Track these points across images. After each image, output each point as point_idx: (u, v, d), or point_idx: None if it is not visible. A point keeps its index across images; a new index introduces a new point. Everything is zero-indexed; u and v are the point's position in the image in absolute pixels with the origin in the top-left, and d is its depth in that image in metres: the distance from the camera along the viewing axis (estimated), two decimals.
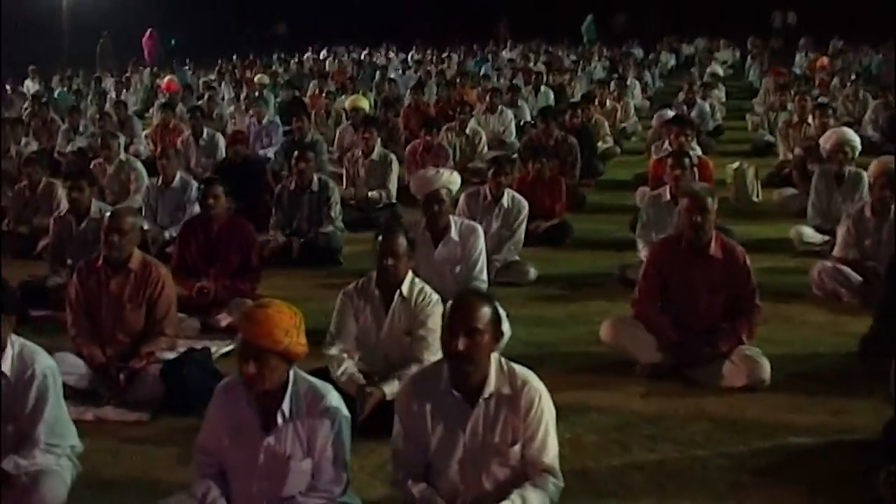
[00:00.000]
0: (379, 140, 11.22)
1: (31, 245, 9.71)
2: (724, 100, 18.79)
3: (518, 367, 4.12)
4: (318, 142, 12.36)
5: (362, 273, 8.75)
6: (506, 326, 6.50)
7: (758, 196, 11.50)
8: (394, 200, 10.93)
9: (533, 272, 8.38)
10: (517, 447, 4.06)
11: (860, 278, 7.76)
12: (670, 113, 11.91)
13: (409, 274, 5.67)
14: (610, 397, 6.05)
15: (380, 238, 5.59)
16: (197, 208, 9.40)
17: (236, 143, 10.89)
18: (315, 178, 9.34)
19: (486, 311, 3.96)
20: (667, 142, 11.37)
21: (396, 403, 4.22)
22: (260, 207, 9.98)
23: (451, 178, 6.97)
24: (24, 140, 12.59)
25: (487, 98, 15.23)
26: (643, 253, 8.34)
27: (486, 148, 13.30)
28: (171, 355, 6.27)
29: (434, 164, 11.52)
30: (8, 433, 4.66)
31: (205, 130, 12.87)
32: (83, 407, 5.86)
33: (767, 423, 5.69)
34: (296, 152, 9.41)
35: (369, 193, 10.74)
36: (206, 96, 16.82)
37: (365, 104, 13.95)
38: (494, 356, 4.08)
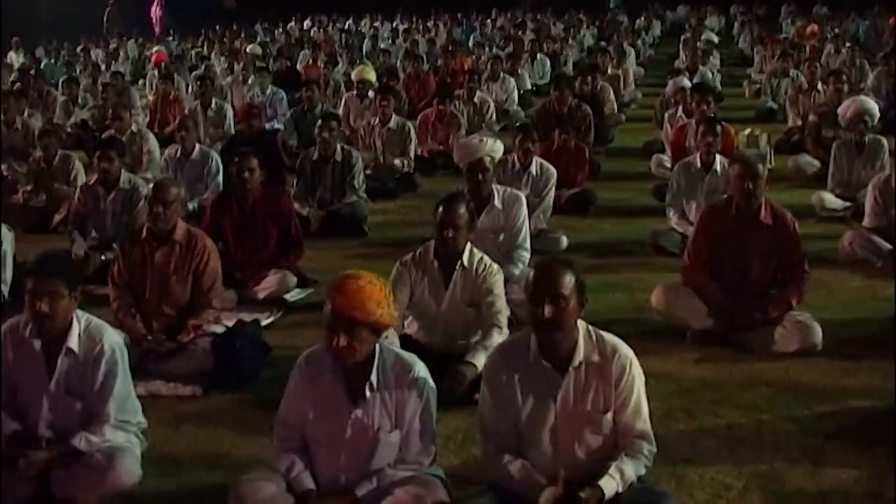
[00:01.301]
0: None
1: (47, 219, 9.55)
2: (718, 67, 18.71)
3: (606, 335, 4.06)
4: (328, 112, 12.19)
5: (389, 243, 8.88)
6: None
7: (771, 163, 11.47)
8: (412, 169, 10.78)
9: (564, 240, 8.32)
10: (609, 415, 4.01)
11: (890, 246, 7.76)
12: (687, 80, 11.81)
13: (468, 244, 5.58)
14: (665, 364, 6.02)
15: (440, 209, 5.50)
16: (218, 180, 9.31)
17: (250, 117, 10.68)
18: (338, 147, 9.21)
19: (569, 277, 3.88)
20: (680, 109, 11.33)
21: (484, 376, 4.14)
22: (275, 181, 9.82)
23: (494, 147, 6.88)
24: (26, 112, 12.32)
25: (488, 66, 15.08)
26: (674, 220, 8.35)
27: (494, 117, 13.21)
28: (217, 328, 6.17)
29: (446, 134, 11.51)
30: (77, 410, 4.57)
31: (213, 101, 12.67)
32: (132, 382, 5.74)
33: (825, 388, 5.71)
34: (319, 122, 9.26)
35: (395, 161, 10.64)
36: (202, 67, 16.56)
37: (372, 75, 13.80)
38: (582, 324, 4.01)
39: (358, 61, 17.74)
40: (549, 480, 3.94)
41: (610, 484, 3.88)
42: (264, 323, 6.70)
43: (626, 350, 4.03)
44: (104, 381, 4.54)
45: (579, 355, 3.96)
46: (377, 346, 4.11)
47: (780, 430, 5.20)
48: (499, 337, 5.42)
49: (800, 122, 12.59)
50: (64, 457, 4.46)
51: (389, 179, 10.54)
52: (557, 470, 4.00)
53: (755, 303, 6.29)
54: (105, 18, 30.23)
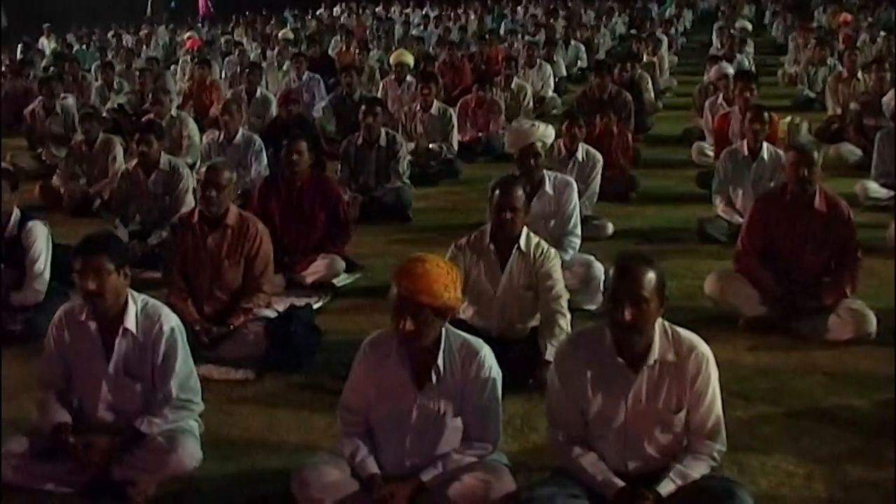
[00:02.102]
0: None
1: (89, 202, 9.56)
2: (753, 55, 18.56)
3: (684, 332, 3.97)
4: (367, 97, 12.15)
5: (433, 228, 8.85)
6: (602, 284, 6.51)
7: None
8: (454, 154, 10.74)
9: (610, 227, 8.27)
10: (682, 413, 3.94)
11: None
12: (730, 68, 11.71)
13: (525, 228, 5.54)
14: (720, 351, 5.75)
15: (496, 191, 5.46)
16: (262, 164, 9.28)
17: (288, 103, 10.68)
18: (382, 132, 9.17)
19: (651, 277, 3.76)
20: (721, 96, 11.23)
21: (555, 365, 4.08)
22: (315, 166, 9.79)
23: (546, 132, 6.82)
24: (62, 97, 12.33)
25: (524, 53, 15.01)
26: (720, 208, 8.30)
27: (531, 103, 13.16)
28: (268, 312, 6.15)
29: (486, 120, 11.46)
30: (137, 392, 4.56)
31: (258, 90, 12.62)
32: None
33: (881, 376, 5.65)
34: (363, 106, 9.22)
35: (430, 146, 10.63)
36: (236, 52, 16.53)
37: (410, 60, 13.72)
38: (658, 321, 3.90)
39: (393, 48, 17.61)
40: (618, 474, 3.93)
41: (669, 487, 3.85)
42: (315, 307, 6.67)
43: (702, 347, 3.95)
44: (164, 361, 4.53)
45: (654, 354, 3.87)
46: (443, 330, 4.08)
47: (839, 417, 5.15)
48: (564, 323, 5.39)
49: (839, 111, 12.49)
50: (125, 441, 4.46)
51: (430, 164, 10.44)
52: (625, 463, 3.99)
53: (809, 290, 6.24)
54: (149, 3, 30.26)
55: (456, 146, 10.88)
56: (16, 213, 6.42)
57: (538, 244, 5.55)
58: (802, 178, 6.17)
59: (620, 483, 3.88)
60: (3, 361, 6.09)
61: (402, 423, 4.11)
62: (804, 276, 6.30)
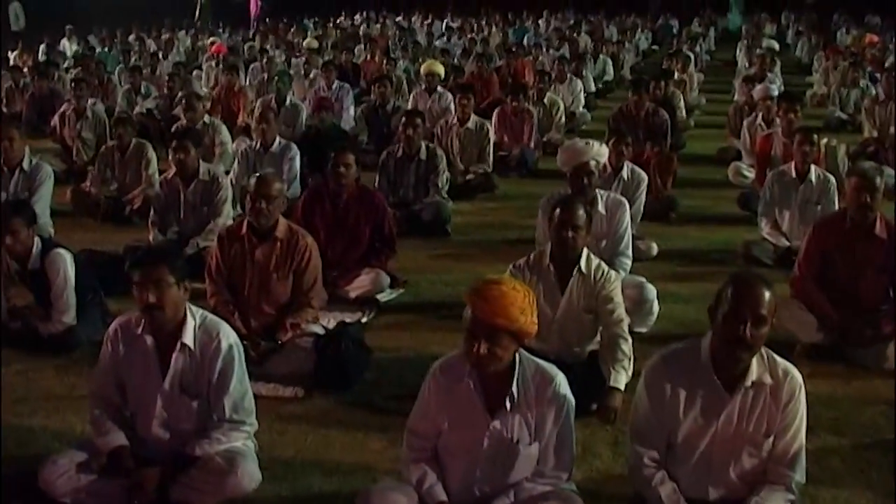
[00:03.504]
0: None
1: (121, 208, 9.44)
2: (780, 75, 18.45)
3: (777, 356, 3.90)
4: (399, 108, 12.07)
5: (473, 244, 8.73)
6: (655, 306, 6.38)
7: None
8: (490, 169, 10.63)
9: (654, 247, 8.14)
10: (771, 438, 3.86)
11: None
12: (774, 88, 11.57)
13: (585, 249, 5.40)
14: None
15: (558, 210, 5.32)
16: (292, 172, 9.15)
17: (322, 110, 10.56)
18: (422, 145, 9.04)
19: (771, 297, 3.72)
20: (759, 117, 11.10)
21: (645, 384, 3.96)
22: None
23: (600, 151, 6.70)
24: (90, 101, 12.20)
25: (555, 67, 14.90)
26: (766, 230, 8.17)
27: (563, 118, 13.03)
28: (315, 328, 6.01)
29: (521, 129, 11.35)
30: (192, 409, 4.43)
31: (288, 98, 12.51)
32: None
33: None
34: (403, 118, 9.10)
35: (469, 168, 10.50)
36: (264, 59, 16.42)
37: (440, 70, 13.58)
38: None
39: (422, 59, 17.50)
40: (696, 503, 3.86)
41: None
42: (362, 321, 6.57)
43: (796, 373, 3.87)
44: (220, 379, 4.41)
45: (752, 375, 3.80)
46: (517, 355, 3.94)
47: None
48: (627, 348, 5.27)
49: (875, 133, 12.35)
50: (179, 464, 4.33)
51: (467, 180, 10.31)
52: (707, 489, 3.89)
53: (867, 317, 6.11)
54: (197, 8, 30.21)
55: (491, 161, 10.70)
56: (37, 243, 6.27)
57: (598, 265, 5.42)
58: (864, 204, 6.07)
59: None
60: (41, 371, 6.00)
61: (474, 450, 3.98)
62: (862, 303, 6.18)
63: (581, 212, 5.32)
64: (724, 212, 9.83)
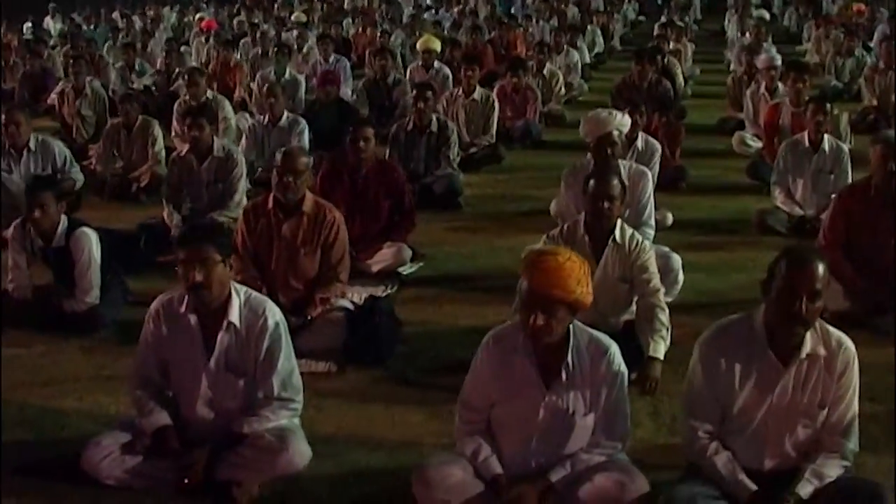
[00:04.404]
0: None
1: (127, 185, 9.36)
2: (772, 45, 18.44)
3: (830, 327, 3.90)
4: (400, 81, 12.01)
5: (485, 216, 8.71)
6: (680, 275, 6.38)
7: (850, 143, 11.23)
8: (494, 140, 10.60)
9: (670, 217, 8.13)
10: (825, 409, 3.87)
11: None
12: (778, 57, 11.55)
13: (619, 219, 5.40)
14: None
15: (592, 180, 5.31)
16: (304, 146, 9.07)
17: (327, 83, 10.49)
18: (433, 118, 9.00)
19: (824, 271, 3.73)
20: (763, 86, 11.08)
21: (700, 357, 3.95)
22: None
23: (623, 121, 6.69)
24: (88, 79, 12.06)
25: (552, 39, 14.85)
26: (779, 199, 8.18)
27: (563, 90, 13.01)
28: (345, 303, 5.98)
29: (524, 106, 11.30)
30: (238, 388, 4.39)
31: (287, 70, 12.42)
32: None
33: None
34: (414, 91, 9.06)
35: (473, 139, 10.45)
36: (258, 34, 16.28)
37: (437, 46, 13.47)
38: None
39: (417, 32, 17.40)
40: (751, 473, 3.85)
41: (808, 489, 3.78)
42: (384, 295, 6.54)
43: (849, 344, 3.87)
44: (267, 357, 4.35)
45: (806, 347, 3.80)
46: (571, 326, 3.93)
47: None
48: (664, 317, 5.29)
49: (875, 102, 12.38)
50: (227, 443, 4.30)
51: (473, 152, 10.26)
52: (762, 461, 3.90)
53: (893, 285, 6.11)
54: None
55: (494, 132, 10.66)
56: (63, 221, 6.21)
57: (632, 235, 5.42)
58: (891, 173, 6.08)
59: (753, 486, 3.81)
60: (66, 352, 5.95)
61: (529, 421, 3.98)
62: (888, 271, 6.18)
63: (616, 182, 5.33)
64: (732, 181, 9.83)
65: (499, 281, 6.97)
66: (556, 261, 3.83)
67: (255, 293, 4.48)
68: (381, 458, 4.66)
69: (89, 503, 4.27)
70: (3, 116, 8.28)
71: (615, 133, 6.55)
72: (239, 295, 4.39)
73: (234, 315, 4.34)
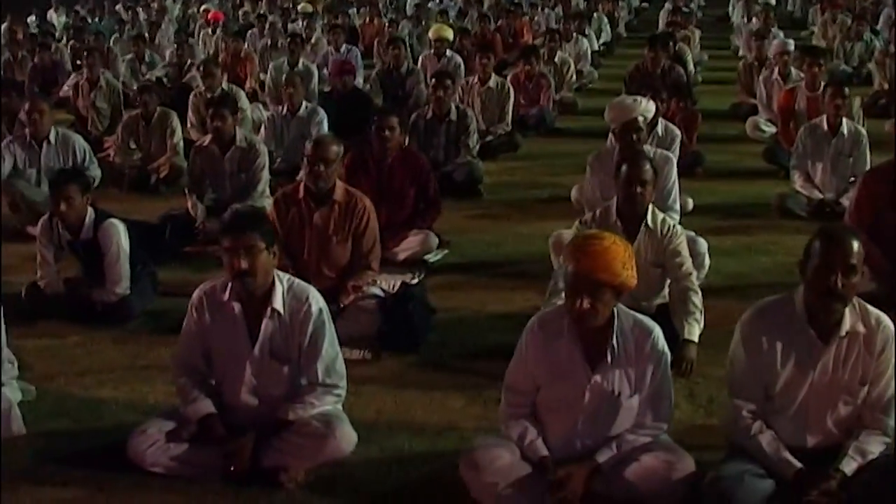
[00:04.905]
0: None
1: (146, 177, 9.39)
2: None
3: (868, 305, 3.95)
4: (413, 70, 12.04)
5: (505, 203, 8.75)
6: (707, 259, 6.42)
7: (863, 126, 11.26)
8: (509, 128, 10.63)
9: (690, 202, 8.15)
10: (866, 386, 3.92)
11: None
12: (790, 42, 11.57)
13: (650, 204, 5.44)
14: None
15: (624, 166, 5.35)
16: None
17: (343, 73, 10.51)
18: (452, 106, 9.03)
19: (859, 247, 3.77)
20: (776, 71, 11.11)
21: (742, 337, 4.00)
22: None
23: (648, 107, 6.70)
24: (101, 71, 12.05)
25: (562, 26, 14.88)
26: (798, 183, 8.22)
27: (574, 77, 13.04)
28: (376, 290, 6.01)
29: (537, 94, 11.33)
30: (283, 375, 4.42)
31: (301, 60, 12.43)
32: None
33: None
34: (433, 80, 9.08)
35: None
36: (266, 25, 16.27)
37: (449, 34, 13.50)
38: None
39: (425, 21, 17.41)
40: (794, 451, 3.89)
41: (852, 465, 3.83)
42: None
43: (888, 321, 3.92)
44: (312, 344, 4.38)
45: (846, 325, 3.85)
46: (615, 309, 3.98)
47: None
48: (698, 300, 5.35)
49: (886, 86, 12.42)
50: (272, 430, 4.33)
51: (489, 139, 10.28)
52: (804, 438, 3.95)
53: None
54: None
55: (509, 119, 10.69)
56: (90, 213, 6.23)
57: (664, 220, 5.47)
58: None
59: (797, 464, 3.86)
60: (99, 343, 6.00)
61: (575, 404, 4.02)
62: None
63: (648, 167, 5.38)
64: (747, 166, 9.91)
65: (524, 267, 7.05)
66: (601, 244, 3.88)
67: (297, 280, 4.51)
68: (424, 442, 4.70)
69: (135, 491, 4.31)
70: (27, 106, 8.24)
71: (640, 119, 6.57)
72: (282, 282, 4.41)
73: (278, 302, 4.36)
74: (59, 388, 5.39)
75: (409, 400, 5.15)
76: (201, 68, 10.79)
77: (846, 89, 8.18)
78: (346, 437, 4.34)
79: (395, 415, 5.00)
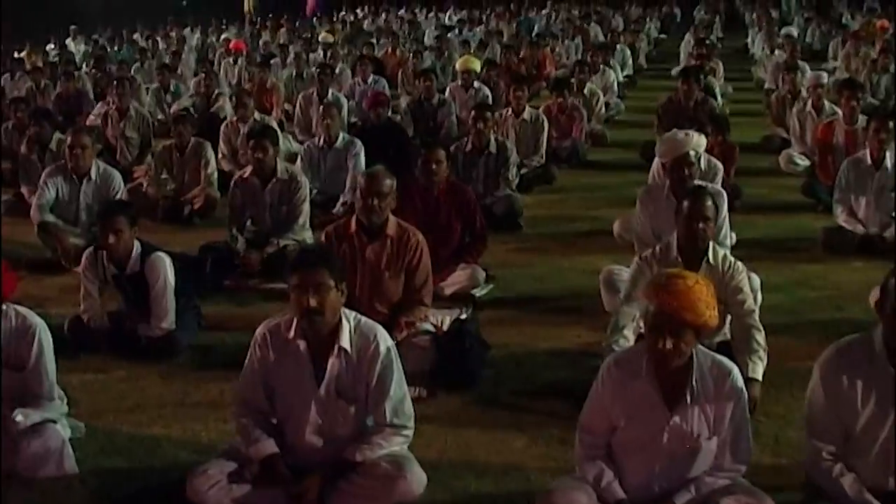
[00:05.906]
0: None
1: (179, 208, 9.34)
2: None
3: None
4: (445, 101, 12.01)
5: (546, 237, 8.68)
6: (759, 295, 6.33)
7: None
8: (544, 160, 10.59)
9: (733, 236, 8.05)
10: None
11: None
12: (824, 75, 11.52)
13: (711, 240, 5.37)
14: None
15: (686, 202, 5.29)
16: (359, 168, 9.02)
17: (378, 105, 10.46)
18: (492, 138, 8.97)
19: None
20: (810, 103, 11.05)
21: (820, 376, 3.93)
22: (405, 172, 9.57)
23: (700, 141, 6.65)
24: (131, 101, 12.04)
25: (589, 58, 14.86)
26: (842, 218, 8.15)
27: (603, 109, 13.01)
28: (427, 326, 5.93)
29: (569, 126, 11.29)
30: (349, 415, 4.33)
31: (330, 91, 12.41)
32: None
33: None
34: (473, 112, 9.02)
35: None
36: (291, 55, 16.31)
37: (477, 66, 13.51)
38: None
39: (447, 52, 17.42)
40: (875, 493, 3.82)
41: None
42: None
43: None
44: (379, 383, 4.29)
45: None
46: (693, 349, 3.90)
47: None
48: (761, 338, 5.26)
49: None
50: (339, 471, 4.24)
51: (525, 172, 10.22)
52: (888, 479, 3.87)
53: None
54: (247, 4, 29.99)
55: (544, 152, 10.65)
56: (136, 246, 6.16)
57: (725, 256, 5.40)
58: None
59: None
60: (147, 378, 5.92)
61: (652, 445, 3.93)
62: None
63: (710, 203, 5.31)
64: (785, 199, 9.84)
65: (572, 302, 6.99)
66: (685, 284, 3.80)
67: (364, 318, 4.42)
68: (489, 484, 4.61)
69: None
70: (69, 140, 8.15)
71: (692, 153, 6.52)
72: (349, 320, 4.33)
73: (346, 340, 4.27)
74: (108, 425, 5.30)
75: (470, 439, 5.06)
76: (233, 98, 10.75)
77: (890, 123, 8.10)
78: (418, 479, 4.26)
79: (458, 454, 4.91)
